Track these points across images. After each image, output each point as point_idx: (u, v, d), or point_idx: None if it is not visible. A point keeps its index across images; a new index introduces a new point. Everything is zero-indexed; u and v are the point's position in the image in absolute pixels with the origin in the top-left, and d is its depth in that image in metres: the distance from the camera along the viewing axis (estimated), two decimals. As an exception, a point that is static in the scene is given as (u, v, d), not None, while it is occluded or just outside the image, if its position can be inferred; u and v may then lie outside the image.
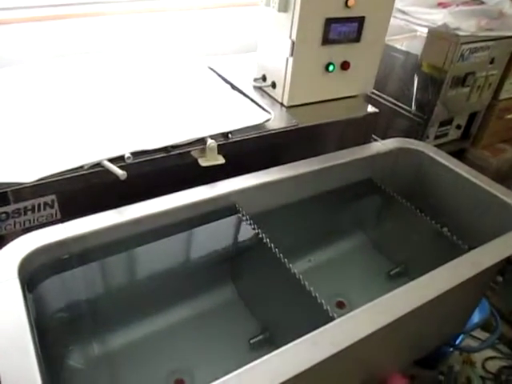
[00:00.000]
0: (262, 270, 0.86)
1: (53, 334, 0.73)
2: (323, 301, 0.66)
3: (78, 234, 0.68)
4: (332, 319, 0.62)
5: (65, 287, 0.73)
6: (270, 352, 0.86)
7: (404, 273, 1.09)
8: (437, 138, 1.54)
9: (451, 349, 1.11)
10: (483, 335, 1.16)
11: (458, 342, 1.11)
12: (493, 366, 1.16)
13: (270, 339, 0.88)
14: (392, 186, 1.03)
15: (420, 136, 1.44)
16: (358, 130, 1.14)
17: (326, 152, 0.97)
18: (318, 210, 1.02)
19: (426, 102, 1.42)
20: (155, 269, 0.84)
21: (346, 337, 0.57)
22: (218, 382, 0.50)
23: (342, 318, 0.60)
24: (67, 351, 0.78)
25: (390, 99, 1.53)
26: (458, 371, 1.08)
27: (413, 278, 1.07)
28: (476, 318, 1.08)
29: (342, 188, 1.00)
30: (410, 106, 1.48)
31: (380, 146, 1.04)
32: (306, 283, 0.69)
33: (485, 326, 1.14)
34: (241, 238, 0.89)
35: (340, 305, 1.00)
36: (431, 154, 1.04)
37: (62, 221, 0.71)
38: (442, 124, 1.51)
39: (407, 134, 1.49)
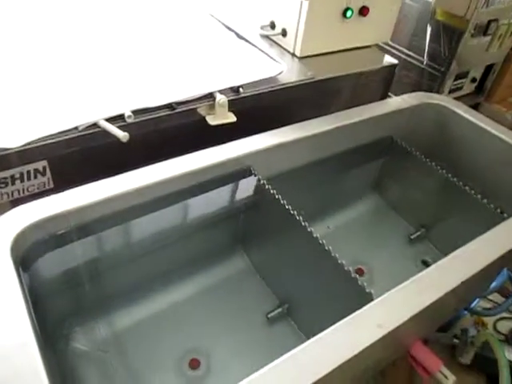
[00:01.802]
0: (281, 237, 0.79)
1: (54, 317, 0.66)
2: (357, 276, 0.60)
3: (77, 206, 0.60)
4: (370, 296, 0.56)
5: (64, 265, 0.66)
6: (290, 326, 0.83)
7: (425, 237, 1.03)
8: (451, 91, 1.45)
9: (466, 312, 1.08)
10: (495, 296, 1.13)
11: (473, 305, 1.08)
12: (504, 326, 1.13)
13: (289, 312, 0.83)
14: (413, 144, 0.96)
15: (436, 90, 1.35)
16: (376, 84, 1.04)
17: (341, 107, 0.89)
18: (337, 171, 0.95)
19: (440, 52, 1.33)
20: (162, 241, 0.77)
21: (393, 318, 0.51)
22: (249, 378, 0.43)
23: (384, 296, 0.54)
24: (71, 333, 0.71)
25: (401, 48, 1.43)
26: (475, 335, 1.04)
27: (435, 243, 1.04)
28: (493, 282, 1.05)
29: (361, 147, 0.93)
30: (423, 57, 1.38)
31: (400, 101, 0.96)
32: (337, 255, 0.63)
33: (500, 289, 1.11)
34: (257, 203, 0.81)
35: (359, 272, 0.94)
36: (455, 109, 0.96)
37: (55, 190, 0.62)
38: (457, 77, 1.42)
39: (417, 88, 1.40)
